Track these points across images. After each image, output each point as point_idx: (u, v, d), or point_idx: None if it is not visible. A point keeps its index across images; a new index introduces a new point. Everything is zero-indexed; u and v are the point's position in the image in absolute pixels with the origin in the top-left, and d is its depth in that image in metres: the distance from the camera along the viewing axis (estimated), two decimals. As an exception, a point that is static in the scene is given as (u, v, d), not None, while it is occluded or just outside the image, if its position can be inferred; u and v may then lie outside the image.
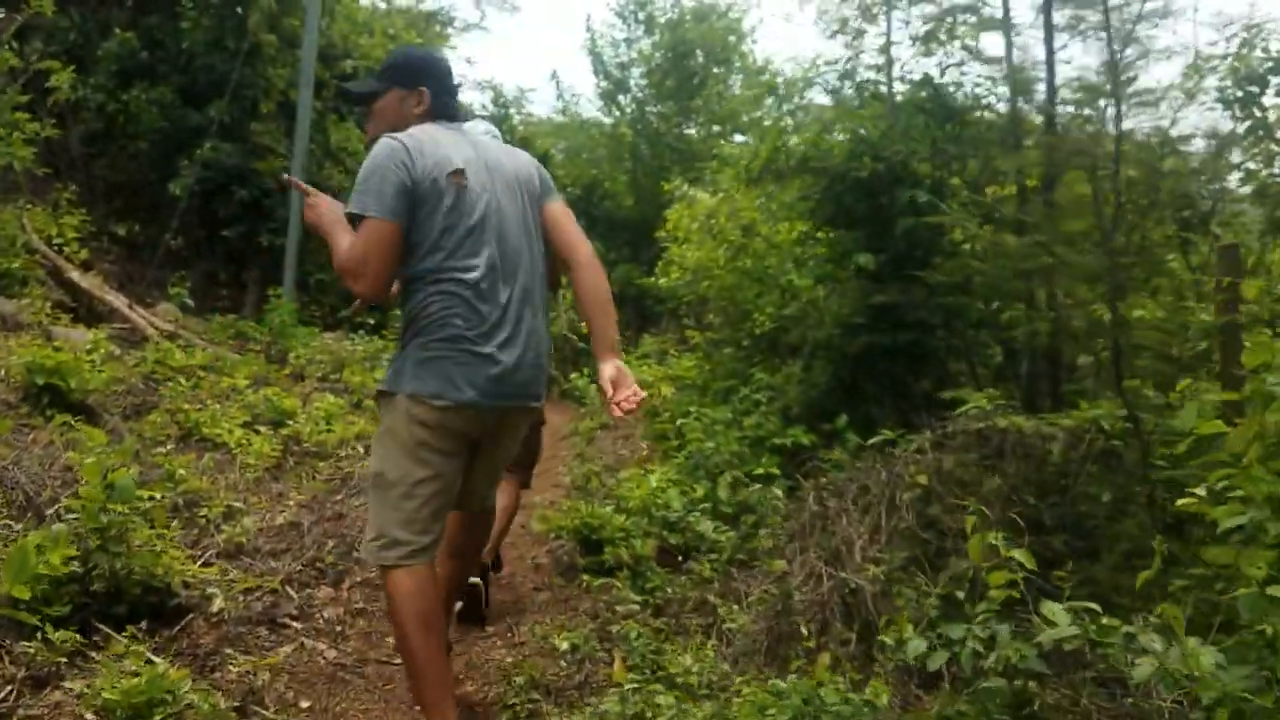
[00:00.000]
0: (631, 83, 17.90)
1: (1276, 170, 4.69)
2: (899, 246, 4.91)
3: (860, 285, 4.89)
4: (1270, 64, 4.56)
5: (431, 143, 2.59)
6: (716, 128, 17.54)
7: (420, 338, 2.56)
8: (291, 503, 5.16)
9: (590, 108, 19.36)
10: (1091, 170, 4.46)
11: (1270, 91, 4.59)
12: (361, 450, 6.30)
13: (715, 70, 17.31)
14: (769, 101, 17.69)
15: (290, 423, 6.48)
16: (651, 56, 17.47)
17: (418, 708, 2.73)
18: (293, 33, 12.13)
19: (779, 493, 4.46)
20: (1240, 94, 4.58)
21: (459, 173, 2.58)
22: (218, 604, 3.40)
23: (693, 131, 17.86)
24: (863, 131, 4.91)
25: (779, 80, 17.67)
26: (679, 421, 5.53)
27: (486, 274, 2.56)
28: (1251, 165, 4.72)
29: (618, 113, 18.23)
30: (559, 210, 2.81)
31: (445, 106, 2.77)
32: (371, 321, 10.61)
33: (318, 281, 12.31)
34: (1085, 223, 4.58)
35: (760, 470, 4.73)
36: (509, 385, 2.59)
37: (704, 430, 5.08)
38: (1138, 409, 3.80)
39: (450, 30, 20.45)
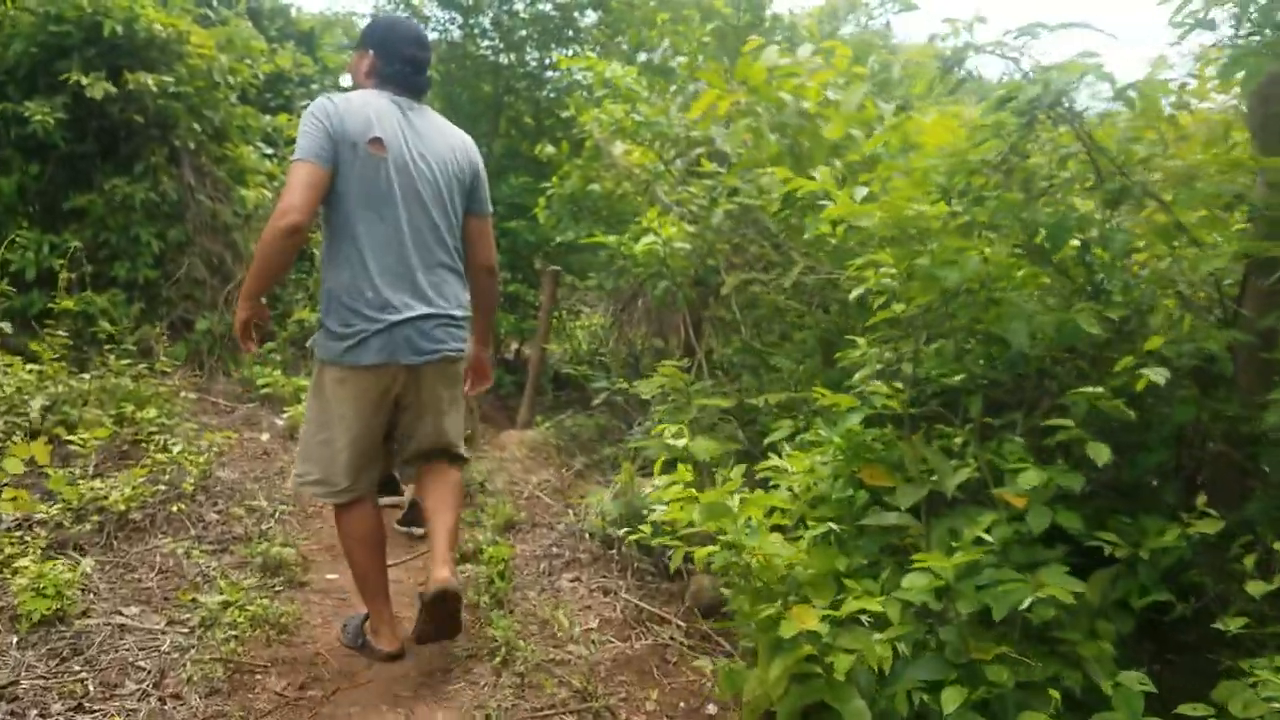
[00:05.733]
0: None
1: None
2: None
3: None
4: None
5: (361, 108, 2.74)
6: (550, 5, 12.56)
7: (329, 303, 2.80)
8: None
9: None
10: None
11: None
12: None
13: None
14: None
15: None
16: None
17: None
18: None
19: None
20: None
21: (377, 141, 2.73)
22: None
23: (520, 7, 12.78)
24: None
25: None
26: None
27: (392, 240, 2.76)
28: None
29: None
30: (480, 226, 3.06)
31: (398, 76, 2.89)
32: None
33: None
34: None
35: None
36: (416, 344, 2.82)
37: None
38: None
39: None
